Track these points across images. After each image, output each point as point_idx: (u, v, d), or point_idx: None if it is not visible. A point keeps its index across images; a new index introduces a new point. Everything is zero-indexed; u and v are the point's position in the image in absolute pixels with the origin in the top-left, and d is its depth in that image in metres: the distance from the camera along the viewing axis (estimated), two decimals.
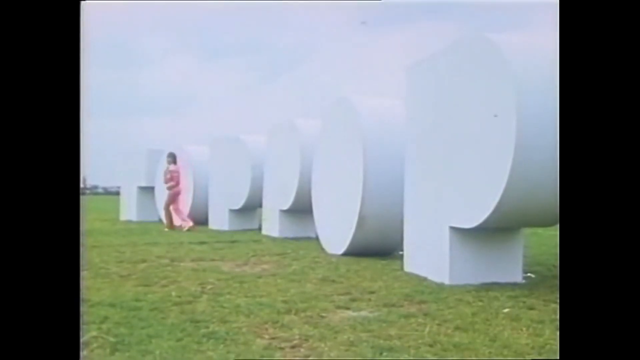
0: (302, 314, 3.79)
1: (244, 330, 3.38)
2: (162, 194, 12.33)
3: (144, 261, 6.39)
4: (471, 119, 4.88)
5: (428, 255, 5.36)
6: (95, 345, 3.03)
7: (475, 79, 4.86)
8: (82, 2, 2.06)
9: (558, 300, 4.08)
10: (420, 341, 3.15)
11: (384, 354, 2.94)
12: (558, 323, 3.42)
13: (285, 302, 4.13)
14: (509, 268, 5.13)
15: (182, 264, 6.27)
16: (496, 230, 5.06)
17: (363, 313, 3.86)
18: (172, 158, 11.64)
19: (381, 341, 3.14)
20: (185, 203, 12.18)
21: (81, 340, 2.76)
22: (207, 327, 3.42)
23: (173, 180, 11.44)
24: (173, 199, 11.49)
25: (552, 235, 8.54)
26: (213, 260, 6.62)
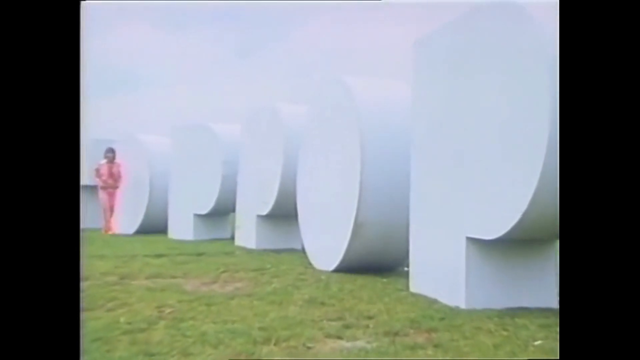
0: (284, 344, 3.80)
1: None
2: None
3: (85, 279, 6.34)
4: (493, 104, 4.89)
5: (440, 273, 5.38)
6: None
7: (499, 55, 4.86)
8: (82, 2, 2.43)
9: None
10: None
11: None
12: None
13: (263, 329, 4.14)
14: (540, 289, 5.14)
15: (134, 282, 6.29)
16: (524, 242, 5.08)
17: (359, 343, 3.88)
18: (112, 154, 12.81)
19: None
20: (121, 205, 12.92)
21: (81, 342, 2.80)
22: None
23: (112, 178, 12.87)
24: (112, 199, 12.90)
25: None
26: (174, 277, 6.63)
